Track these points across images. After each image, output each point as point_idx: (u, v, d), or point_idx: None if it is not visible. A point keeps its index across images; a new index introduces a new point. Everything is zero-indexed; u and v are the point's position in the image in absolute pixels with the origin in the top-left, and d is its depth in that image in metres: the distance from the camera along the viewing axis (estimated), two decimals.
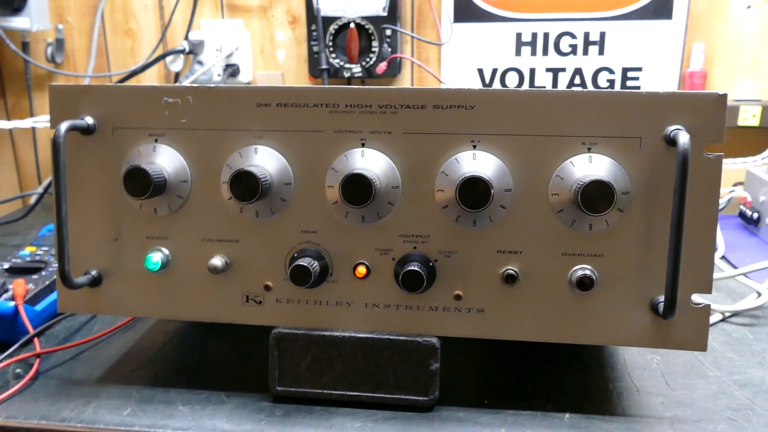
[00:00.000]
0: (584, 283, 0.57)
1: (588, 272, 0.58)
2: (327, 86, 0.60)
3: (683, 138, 0.53)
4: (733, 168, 1.20)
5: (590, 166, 0.57)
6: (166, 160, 0.61)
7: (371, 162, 0.59)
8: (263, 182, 0.58)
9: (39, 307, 0.76)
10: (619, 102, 0.56)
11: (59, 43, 1.40)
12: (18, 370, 0.68)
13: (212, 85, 0.61)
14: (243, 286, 0.63)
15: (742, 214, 1.13)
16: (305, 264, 0.58)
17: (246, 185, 0.58)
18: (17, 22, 1.27)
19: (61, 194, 0.59)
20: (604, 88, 1.28)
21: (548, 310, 0.59)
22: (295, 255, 0.61)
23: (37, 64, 1.32)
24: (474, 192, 0.55)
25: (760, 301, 0.81)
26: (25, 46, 1.33)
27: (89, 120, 0.62)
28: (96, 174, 0.63)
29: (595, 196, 0.54)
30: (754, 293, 0.85)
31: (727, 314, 0.81)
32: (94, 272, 0.64)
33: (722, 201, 1.18)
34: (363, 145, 0.59)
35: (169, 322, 0.79)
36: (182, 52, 1.27)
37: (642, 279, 0.58)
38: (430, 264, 0.60)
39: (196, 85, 0.61)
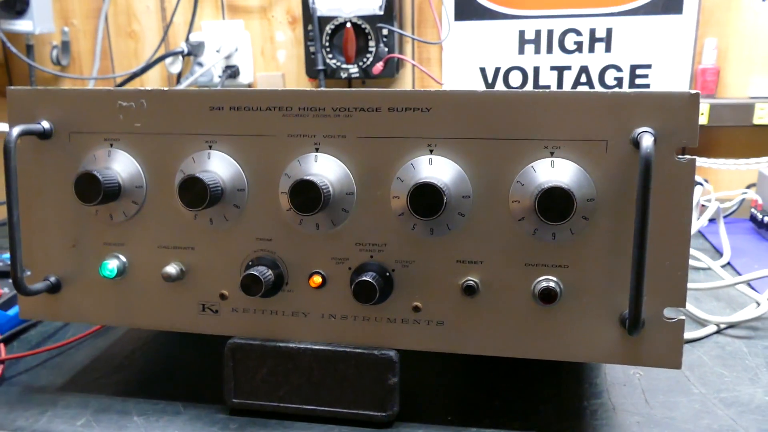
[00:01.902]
0: (548, 295, 0.54)
1: (552, 284, 0.54)
2: (279, 89, 0.57)
3: (646, 141, 0.49)
4: (746, 169, 1.14)
5: (553, 171, 0.53)
6: (120, 165, 0.60)
7: (325, 167, 0.56)
8: (212, 188, 0.56)
9: (12, 311, 0.75)
10: (584, 103, 0.53)
11: (65, 46, 1.41)
12: None
13: (166, 89, 0.59)
14: (199, 295, 0.61)
15: (753, 218, 1.07)
16: (256, 273, 0.56)
17: (195, 192, 0.56)
18: (20, 25, 1.28)
19: (12, 200, 0.58)
20: (612, 87, 1.23)
21: (510, 324, 0.56)
22: (250, 263, 0.59)
23: (41, 67, 1.33)
24: (426, 199, 0.53)
25: (758, 312, 0.76)
26: (29, 49, 1.35)
27: (46, 124, 0.61)
28: (53, 179, 0.62)
29: (554, 204, 0.51)
30: (753, 303, 0.80)
31: (722, 326, 0.76)
32: (52, 278, 0.63)
33: (733, 204, 1.13)
34: (317, 149, 0.57)
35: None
36: (181, 53, 1.27)
37: (610, 291, 0.54)
38: (387, 274, 0.57)
39: (149, 88, 0.60)
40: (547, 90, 0.54)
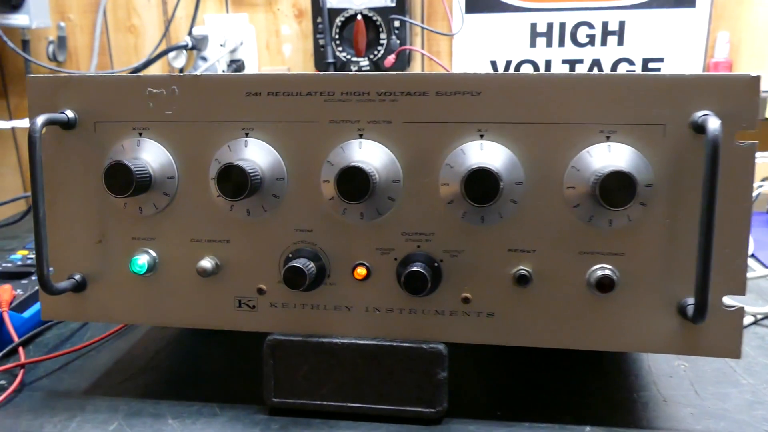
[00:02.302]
0: (604, 285, 0.52)
1: (608, 272, 0.53)
2: (322, 73, 0.55)
3: (713, 124, 0.48)
4: (761, 162, 1.13)
5: (609, 156, 0.52)
6: (151, 155, 0.57)
7: (370, 154, 0.54)
8: (253, 177, 0.53)
9: (27, 313, 0.72)
10: (641, 86, 0.51)
11: (61, 41, 1.37)
12: (2, 382, 0.64)
13: (199, 74, 0.57)
14: (235, 290, 0.58)
15: None
16: (300, 265, 0.54)
17: (234, 181, 0.53)
18: (16, 20, 1.24)
19: (38, 194, 0.55)
20: None
21: (564, 314, 0.54)
22: (290, 256, 0.57)
23: (37, 62, 1.29)
24: (481, 185, 0.51)
25: None
26: (25, 44, 1.31)
27: (69, 113, 0.58)
28: (78, 171, 0.59)
29: (616, 189, 0.49)
30: None
31: (759, 316, 0.75)
32: (77, 276, 0.60)
33: None
34: (361, 136, 0.55)
35: (164, 328, 0.75)
36: (185, 47, 1.24)
37: (667, 279, 0.53)
38: (435, 264, 0.55)
39: (181, 74, 0.57)
40: (603, 73, 0.52)
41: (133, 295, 0.60)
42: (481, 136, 0.53)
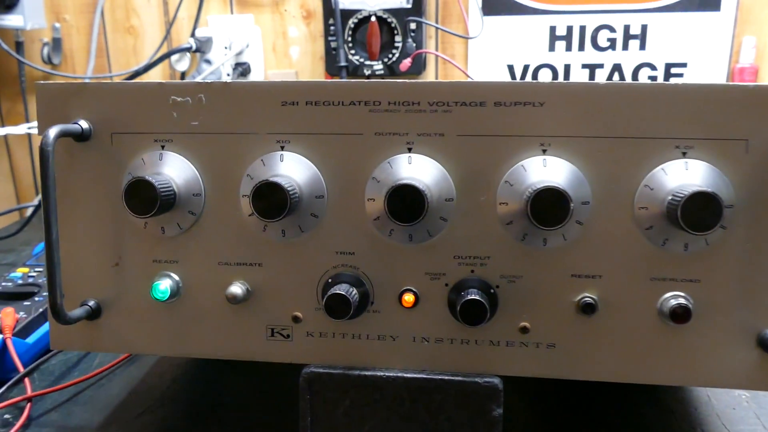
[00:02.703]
0: (678, 314, 0.48)
1: (683, 301, 0.48)
2: (367, 80, 0.50)
3: None
4: None
5: (686, 174, 0.47)
6: (174, 170, 0.52)
7: (420, 170, 0.49)
8: (292, 195, 0.48)
9: (31, 339, 0.66)
10: (722, 97, 0.46)
11: (56, 43, 1.31)
12: (7, 416, 0.58)
13: (229, 81, 0.51)
14: (267, 318, 0.53)
15: None
16: (343, 292, 0.49)
17: (271, 199, 0.48)
18: (10, 20, 1.18)
19: (50, 213, 0.50)
20: None
21: (633, 346, 0.50)
22: (329, 281, 0.51)
23: (32, 65, 1.22)
24: (547, 206, 0.46)
25: None
26: (19, 46, 1.24)
27: (84, 124, 0.53)
28: (92, 187, 0.54)
29: (698, 211, 0.45)
30: None
31: None
32: (91, 303, 0.54)
33: None
34: (410, 150, 0.50)
35: None
36: (188, 50, 1.18)
37: (747, 308, 0.48)
38: (491, 291, 0.50)
39: (210, 80, 0.52)
40: (680, 83, 0.47)
41: (153, 323, 0.54)
42: (544, 151, 0.48)
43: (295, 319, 0.53)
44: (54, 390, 0.61)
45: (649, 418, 0.57)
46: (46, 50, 1.31)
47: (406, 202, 0.47)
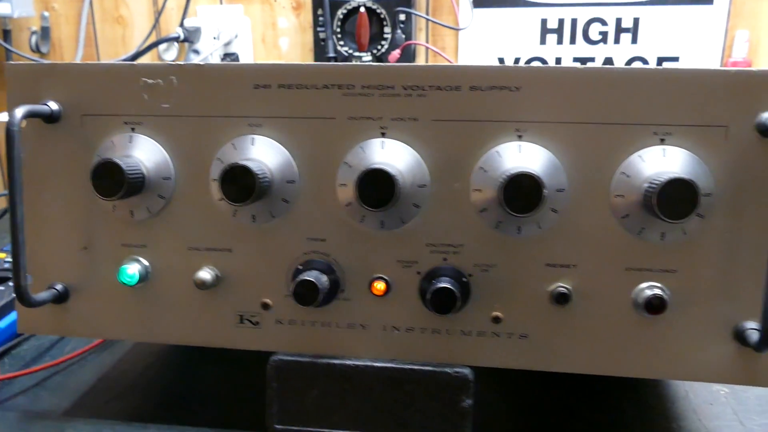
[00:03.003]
0: (654, 305, 0.47)
1: (659, 291, 0.47)
2: (340, 63, 0.49)
3: None
4: None
5: (664, 161, 0.46)
6: (144, 152, 0.51)
7: (393, 155, 0.48)
8: (261, 179, 0.47)
9: (2, 323, 0.65)
10: (701, 82, 0.45)
11: (44, 32, 1.30)
12: None
13: (201, 63, 0.50)
14: (236, 304, 0.52)
15: None
16: (312, 279, 0.48)
17: (240, 183, 0.47)
18: None
19: (16, 195, 0.49)
20: None
21: (608, 337, 0.49)
22: (300, 267, 0.50)
23: (19, 53, 1.21)
24: (521, 192, 0.45)
25: None
26: (6, 34, 1.23)
27: (53, 105, 0.52)
28: (62, 169, 0.53)
29: (675, 199, 0.44)
30: None
31: None
32: (59, 287, 0.53)
33: None
34: (383, 134, 0.49)
35: None
36: (176, 39, 1.17)
37: (725, 300, 0.47)
38: (464, 279, 0.49)
39: (181, 62, 0.51)
40: (658, 67, 0.46)
41: (121, 308, 0.53)
42: (520, 137, 0.47)
43: (265, 306, 0.52)
44: (22, 374, 0.60)
45: (627, 413, 0.56)
46: (34, 39, 1.30)
47: (376, 187, 0.46)
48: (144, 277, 0.52)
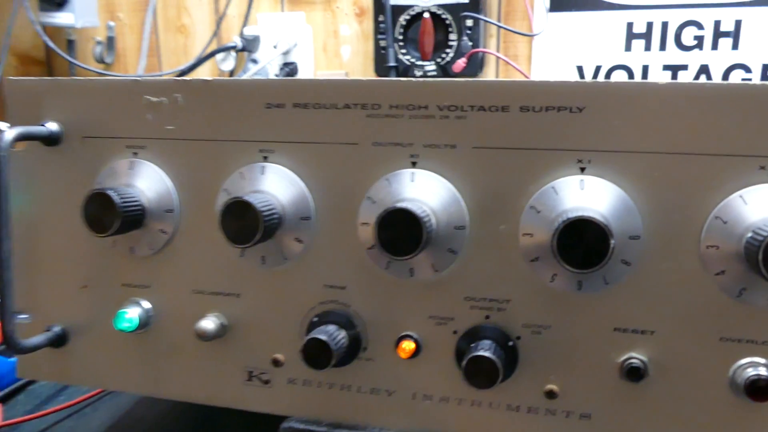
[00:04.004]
0: (759, 388, 0.36)
1: (764, 371, 0.36)
2: (365, 79, 0.41)
3: None
4: None
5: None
6: (146, 181, 0.45)
7: (425, 190, 0.40)
8: (267, 216, 0.40)
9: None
10: None
11: (110, 42, 1.29)
12: None
13: (209, 78, 0.44)
14: (245, 358, 0.45)
15: None
16: (324, 338, 0.40)
17: (242, 220, 0.40)
18: (61, 18, 1.16)
19: (3, 225, 0.43)
20: None
21: (694, 425, 0.38)
22: (315, 319, 0.43)
23: (81, 65, 1.21)
24: (582, 241, 0.35)
25: None
26: (70, 45, 1.23)
27: (53, 126, 0.46)
28: (62, 197, 0.47)
29: None
30: None
31: None
32: (57, 328, 0.48)
33: None
34: (414, 164, 0.40)
35: None
36: (233, 48, 1.13)
37: None
38: (510, 343, 0.40)
39: (188, 78, 0.44)
40: (765, 83, 0.36)
41: (122, 356, 0.47)
42: (582, 169, 0.38)
43: (276, 363, 0.44)
44: (28, 419, 0.55)
45: None
46: (99, 49, 1.29)
47: (401, 229, 0.37)
48: (145, 322, 0.46)
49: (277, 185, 0.42)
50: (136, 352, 0.47)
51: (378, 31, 1.08)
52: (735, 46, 1.03)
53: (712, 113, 0.36)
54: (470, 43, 1.02)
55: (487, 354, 0.38)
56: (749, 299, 0.37)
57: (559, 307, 0.39)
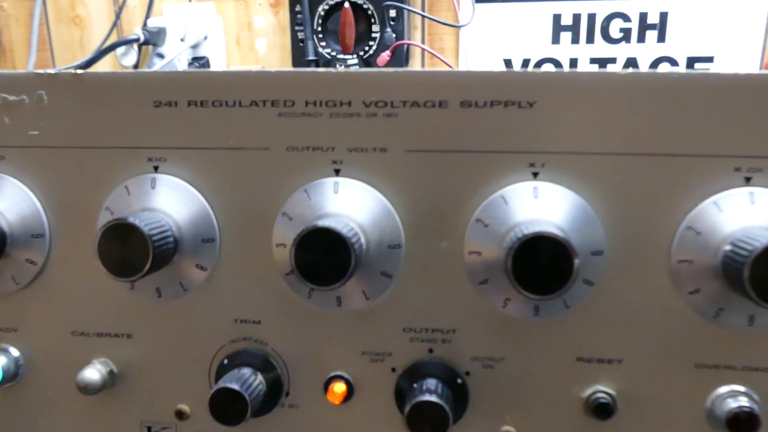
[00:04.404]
0: (740, 421, 0.32)
1: (745, 401, 0.32)
2: (277, 70, 0.34)
3: None
4: None
5: (752, 210, 0.31)
6: (6, 200, 0.36)
7: (351, 203, 0.33)
8: (158, 241, 0.32)
9: None
10: None
11: None
12: None
13: (80, 71, 0.35)
14: (142, 412, 0.37)
15: None
16: (235, 387, 0.33)
17: (127, 247, 0.32)
18: None
19: None
20: None
21: None
22: (225, 362, 0.36)
23: None
24: (540, 260, 0.29)
25: None
26: None
27: None
28: None
29: None
30: None
31: None
32: None
33: None
34: (337, 172, 0.34)
35: None
36: (136, 41, 1.02)
37: None
38: (459, 380, 0.34)
39: (53, 70, 0.36)
40: (746, 73, 0.31)
41: None
42: (535, 175, 0.32)
43: (180, 415, 0.37)
44: None
45: None
46: None
47: (322, 252, 0.31)
48: (14, 374, 0.37)
49: (170, 201, 0.35)
50: (5, 409, 0.38)
51: (295, 22, 1.00)
52: (661, 39, 1.01)
53: (681, 107, 0.31)
54: (394, 35, 0.96)
55: (432, 399, 0.31)
56: (727, 321, 0.32)
57: (513, 336, 0.34)
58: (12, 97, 0.36)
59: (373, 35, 0.98)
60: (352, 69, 0.33)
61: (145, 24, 1.07)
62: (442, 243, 0.33)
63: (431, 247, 0.33)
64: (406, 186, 0.33)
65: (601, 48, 1.03)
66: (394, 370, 0.35)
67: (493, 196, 0.33)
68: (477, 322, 0.34)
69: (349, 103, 0.33)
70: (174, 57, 1.05)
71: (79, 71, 0.35)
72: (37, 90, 0.35)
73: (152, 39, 1.05)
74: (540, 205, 0.32)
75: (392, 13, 0.96)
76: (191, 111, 0.34)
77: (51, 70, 0.36)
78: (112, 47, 1.02)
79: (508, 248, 0.30)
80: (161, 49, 1.06)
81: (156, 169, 0.35)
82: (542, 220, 0.31)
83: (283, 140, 0.34)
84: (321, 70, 0.33)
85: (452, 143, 0.33)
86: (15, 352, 0.38)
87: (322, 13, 0.99)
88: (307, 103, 0.33)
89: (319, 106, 0.33)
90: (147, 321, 0.36)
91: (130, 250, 0.32)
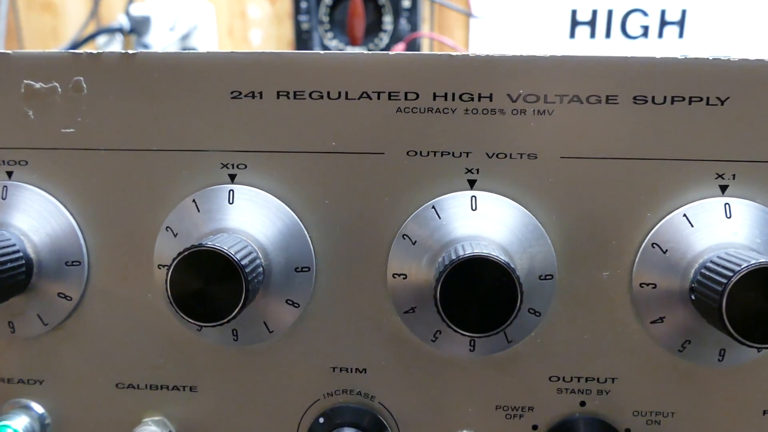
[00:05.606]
0: None
1: None
2: (392, 53, 0.27)
3: None
4: None
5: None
6: (33, 217, 0.28)
7: (489, 221, 0.26)
8: (250, 274, 0.25)
9: None
10: None
11: None
12: None
13: (131, 52, 0.28)
14: None
15: None
16: None
17: (210, 282, 0.24)
18: None
19: None
20: None
21: None
22: (320, 420, 0.28)
23: None
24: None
25: None
26: None
27: None
28: None
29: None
30: None
31: None
32: None
33: None
34: (472, 183, 0.27)
35: None
36: (119, 31, 0.93)
37: None
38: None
39: (94, 51, 0.28)
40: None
41: None
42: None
43: None
44: None
45: None
46: None
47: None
48: None
49: (253, 219, 0.27)
50: None
51: (298, 11, 0.93)
52: (681, 35, 0.98)
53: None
54: (408, 26, 0.89)
55: None
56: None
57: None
58: (38, 85, 0.28)
59: (384, 27, 0.91)
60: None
61: (127, 11, 0.98)
62: (604, 273, 0.27)
63: (590, 277, 0.27)
64: (561, 201, 0.26)
65: (619, 44, 0.99)
66: (535, 428, 0.28)
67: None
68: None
69: (490, 97, 0.26)
70: (161, 48, 0.96)
71: (131, 51, 0.27)
72: (74, 76, 0.27)
73: (137, 28, 0.96)
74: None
75: (406, 3, 0.90)
76: (281, 104, 0.27)
77: (92, 51, 0.28)
78: (93, 36, 0.93)
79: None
80: (147, 40, 0.97)
81: (233, 178, 0.27)
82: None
83: (402, 142, 0.26)
84: (454, 53, 0.26)
85: (620, 149, 0.26)
86: (39, 408, 0.30)
87: (329, 3, 0.91)
88: (435, 96, 0.26)
89: (451, 99, 0.26)
90: (217, 370, 0.29)
91: (212, 287, 0.24)
